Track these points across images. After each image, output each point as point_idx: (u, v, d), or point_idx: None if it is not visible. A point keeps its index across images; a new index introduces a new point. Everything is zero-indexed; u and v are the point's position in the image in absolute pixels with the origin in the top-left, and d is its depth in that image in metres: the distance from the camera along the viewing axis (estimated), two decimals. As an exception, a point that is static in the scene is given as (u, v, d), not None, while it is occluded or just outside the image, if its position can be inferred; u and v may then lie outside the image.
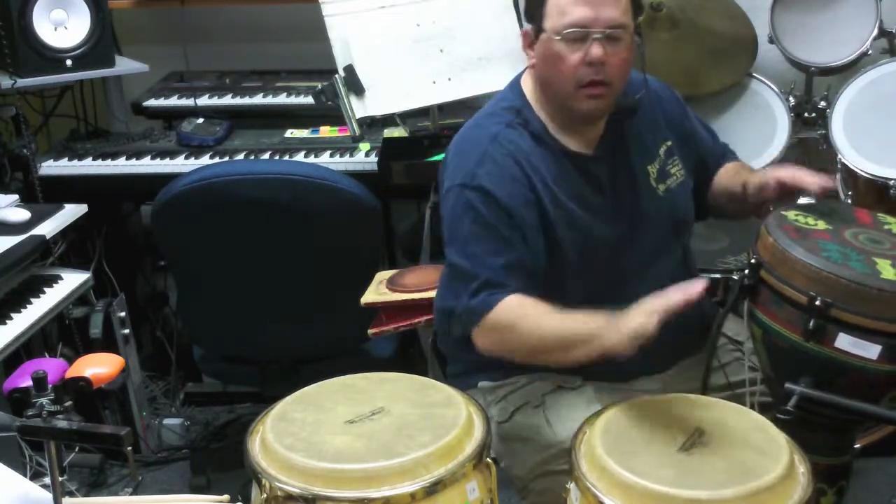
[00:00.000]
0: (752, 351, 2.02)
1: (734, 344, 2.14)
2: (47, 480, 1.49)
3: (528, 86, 2.02)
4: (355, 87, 2.66)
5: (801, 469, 1.60)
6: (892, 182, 2.70)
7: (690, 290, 1.67)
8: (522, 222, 1.89)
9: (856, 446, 2.00)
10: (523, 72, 2.05)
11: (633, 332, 1.68)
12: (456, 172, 1.94)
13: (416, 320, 2.26)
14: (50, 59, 3.03)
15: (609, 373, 1.97)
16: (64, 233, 2.78)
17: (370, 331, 2.28)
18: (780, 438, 1.64)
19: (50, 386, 1.47)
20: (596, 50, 1.85)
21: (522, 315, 1.82)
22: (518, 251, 1.88)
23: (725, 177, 2.14)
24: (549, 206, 1.92)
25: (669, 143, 2.08)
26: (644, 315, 1.68)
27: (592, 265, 1.96)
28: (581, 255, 1.94)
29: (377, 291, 2.33)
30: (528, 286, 1.87)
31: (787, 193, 1.95)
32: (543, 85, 1.96)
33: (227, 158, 3.03)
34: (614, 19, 1.85)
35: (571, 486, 1.63)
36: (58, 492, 1.46)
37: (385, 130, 2.99)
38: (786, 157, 2.93)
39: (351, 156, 3.02)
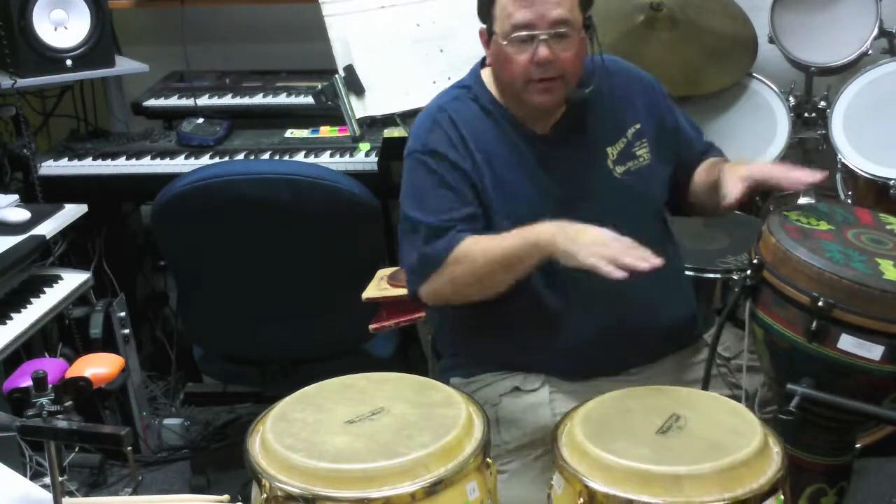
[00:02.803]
0: (738, 368, 2.02)
1: (721, 359, 2.10)
2: (47, 480, 1.49)
3: (487, 71, 2.05)
4: (355, 87, 2.65)
5: (776, 448, 1.64)
6: (892, 182, 2.70)
7: (641, 260, 1.70)
8: (472, 180, 1.94)
9: (856, 446, 2.00)
10: (485, 59, 2.06)
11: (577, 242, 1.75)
12: (411, 143, 2.02)
13: (416, 315, 2.28)
14: (50, 59, 3.02)
15: (608, 369, 1.99)
16: (64, 233, 2.78)
17: (371, 326, 2.31)
18: (753, 420, 1.68)
19: (50, 386, 1.47)
20: (542, 51, 1.87)
21: (473, 247, 1.87)
22: (471, 206, 1.93)
23: (703, 170, 2.09)
24: (487, 173, 1.95)
25: (639, 125, 2.05)
26: (587, 246, 1.73)
27: None
28: (517, 226, 1.93)
29: (378, 287, 2.35)
30: None
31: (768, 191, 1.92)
32: (498, 81, 2.00)
33: (227, 158, 3.03)
34: (559, 17, 1.87)
35: (555, 476, 1.65)
36: (58, 492, 1.46)
37: (385, 130, 2.99)
38: (786, 157, 2.93)
39: (351, 156, 3.02)
